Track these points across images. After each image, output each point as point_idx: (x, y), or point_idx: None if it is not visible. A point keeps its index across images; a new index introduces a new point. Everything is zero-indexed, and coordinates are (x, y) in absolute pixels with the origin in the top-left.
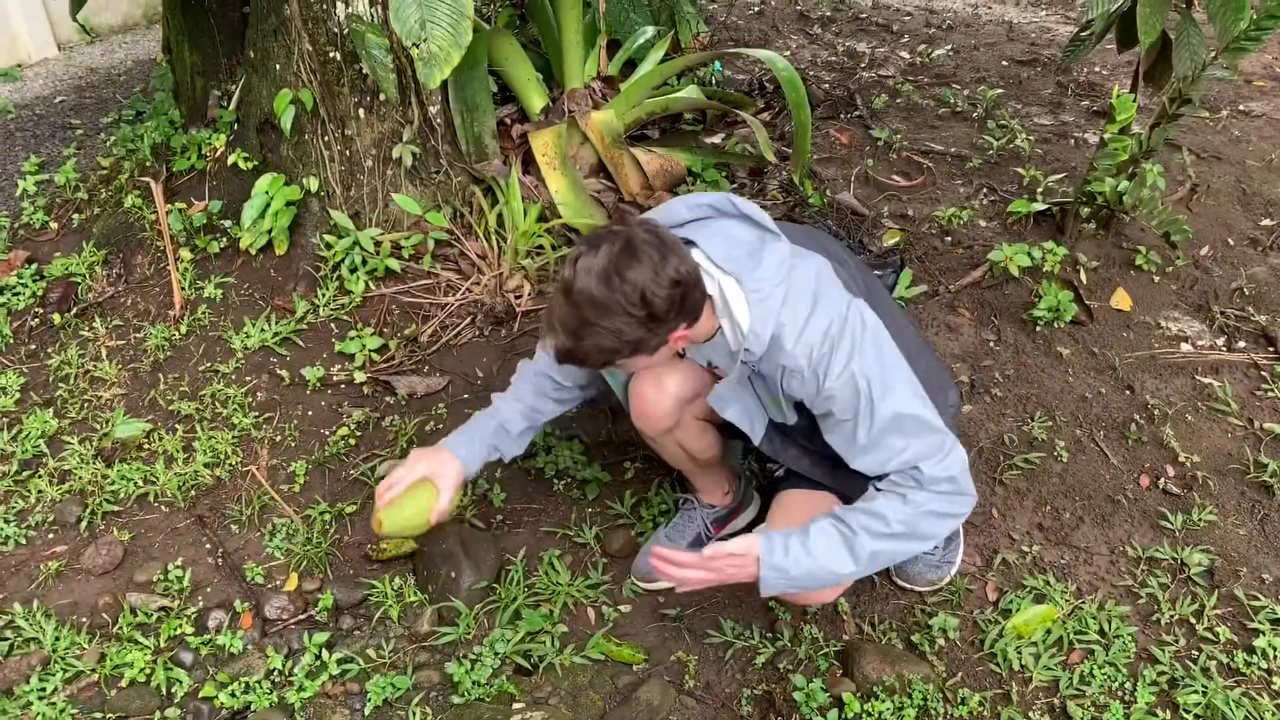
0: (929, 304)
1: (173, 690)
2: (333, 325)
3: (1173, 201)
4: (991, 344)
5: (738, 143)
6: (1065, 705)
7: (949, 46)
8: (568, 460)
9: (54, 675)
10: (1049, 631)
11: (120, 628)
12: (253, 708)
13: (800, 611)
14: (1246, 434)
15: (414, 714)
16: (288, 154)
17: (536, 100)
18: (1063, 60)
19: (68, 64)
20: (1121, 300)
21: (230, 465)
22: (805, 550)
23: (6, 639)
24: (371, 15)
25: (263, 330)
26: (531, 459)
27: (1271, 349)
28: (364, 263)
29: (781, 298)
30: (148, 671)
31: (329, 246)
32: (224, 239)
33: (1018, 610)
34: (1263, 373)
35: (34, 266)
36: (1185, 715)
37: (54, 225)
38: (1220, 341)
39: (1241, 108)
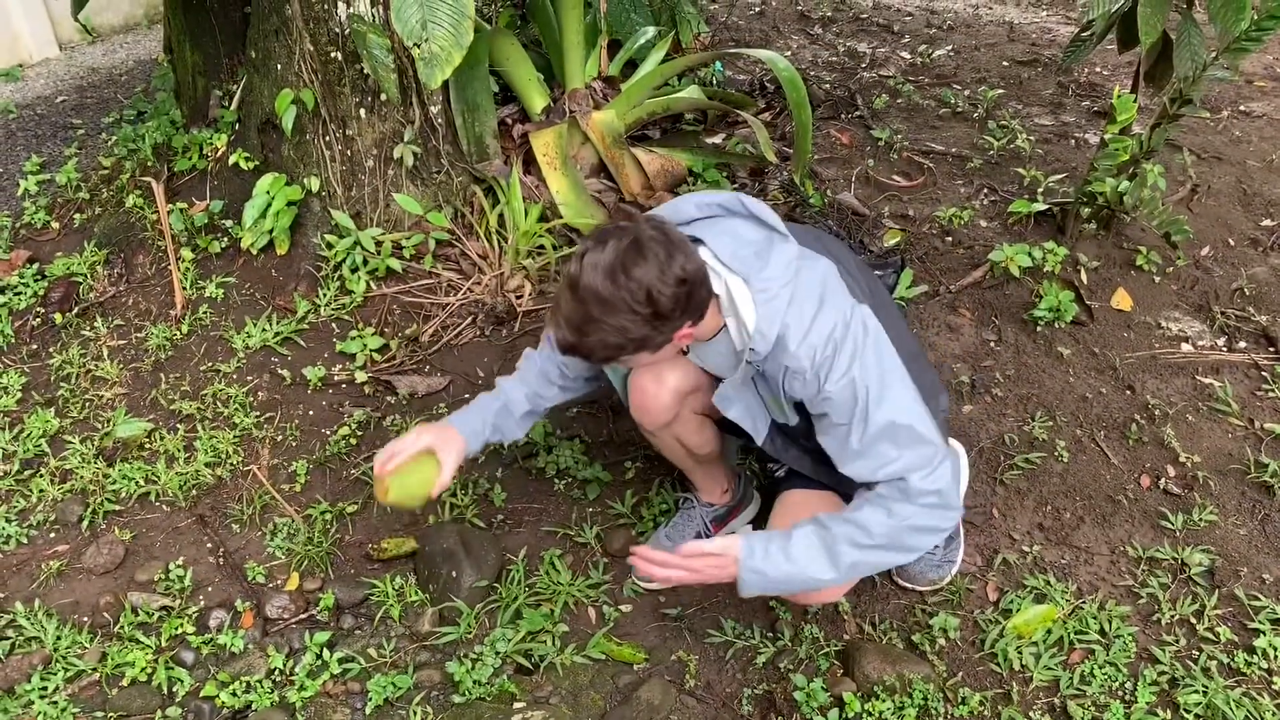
0: (930, 304)
1: (174, 689)
2: (334, 325)
3: (1173, 202)
4: (992, 344)
5: (739, 143)
6: (1066, 705)
7: (950, 47)
8: (569, 460)
9: (55, 674)
10: (1049, 631)
11: (121, 627)
12: (254, 707)
13: (801, 611)
14: (1247, 434)
15: (415, 713)
16: (289, 154)
17: (537, 100)
18: (1063, 60)
19: (69, 64)
20: (1122, 300)
21: (231, 465)
22: (785, 555)
23: (8, 638)
24: (373, 15)
25: (264, 330)
26: (532, 459)
27: (1272, 349)
28: (365, 262)
29: (788, 298)
30: (149, 671)
31: (330, 246)
32: (225, 239)
33: (1018, 610)
34: (1263, 373)
35: (35, 266)
36: (1186, 715)
37: (55, 225)
38: (1221, 342)
39: (1242, 108)
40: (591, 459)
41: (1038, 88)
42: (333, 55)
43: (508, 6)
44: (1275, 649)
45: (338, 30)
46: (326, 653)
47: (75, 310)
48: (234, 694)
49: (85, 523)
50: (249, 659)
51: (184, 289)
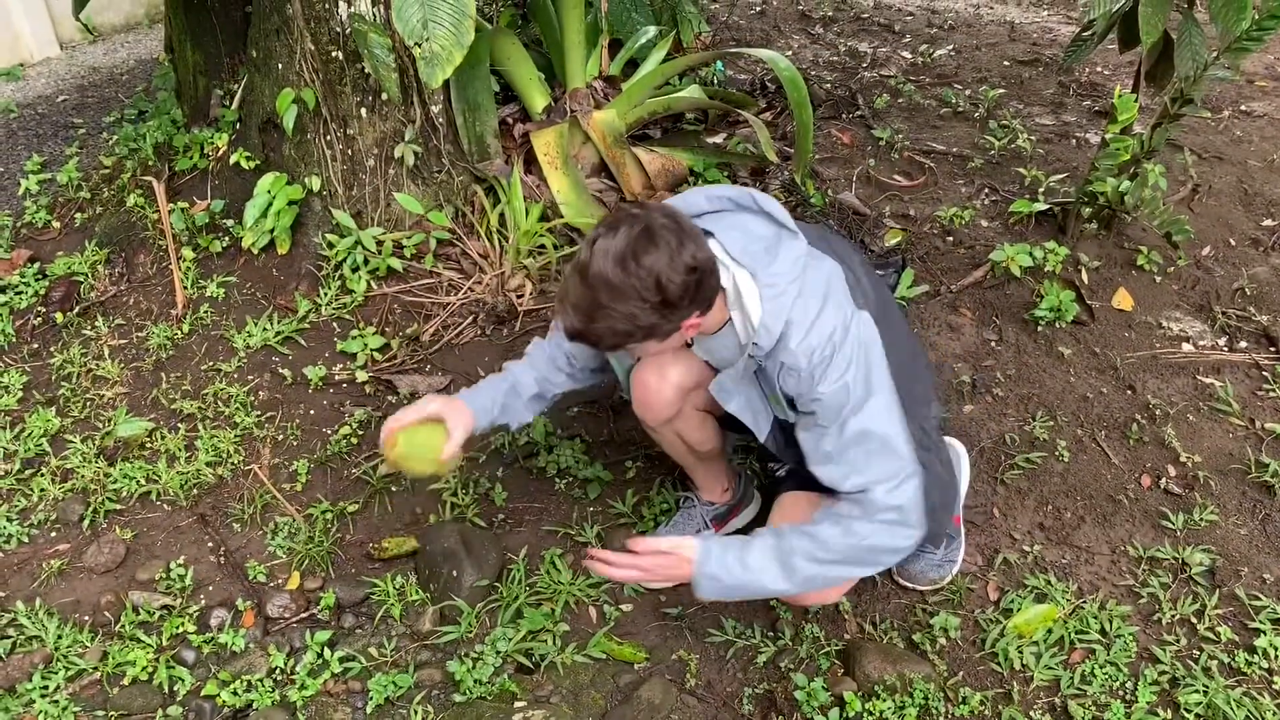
0: (930, 304)
1: (175, 688)
2: (335, 324)
3: (1174, 202)
4: (993, 344)
5: (739, 142)
6: (1066, 704)
7: (951, 46)
8: (569, 459)
9: (56, 673)
10: (1050, 631)
11: (122, 626)
12: (255, 706)
13: (801, 611)
14: (1248, 434)
15: (416, 712)
16: (290, 153)
17: (538, 100)
18: (1064, 60)
19: (70, 63)
20: (1123, 300)
21: (232, 464)
22: (740, 563)
23: (9, 637)
24: (374, 15)
25: (265, 329)
26: (533, 458)
27: (1273, 349)
28: (366, 262)
29: (794, 295)
30: (150, 670)
31: (331, 246)
32: (226, 238)
33: (1019, 610)
34: (1264, 373)
35: (36, 265)
36: (1186, 715)
37: (56, 224)
38: (1222, 341)
39: (1243, 108)
40: (592, 458)
41: (1039, 87)
42: (334, 54)
43: (509, 6)
44: (1276, 649)
45: (339, 29)
46: (327, 652)
47: (76, 309)
48: (235, 693)
49: (86, 522)
50: (250, 658)
51: (185, 288)
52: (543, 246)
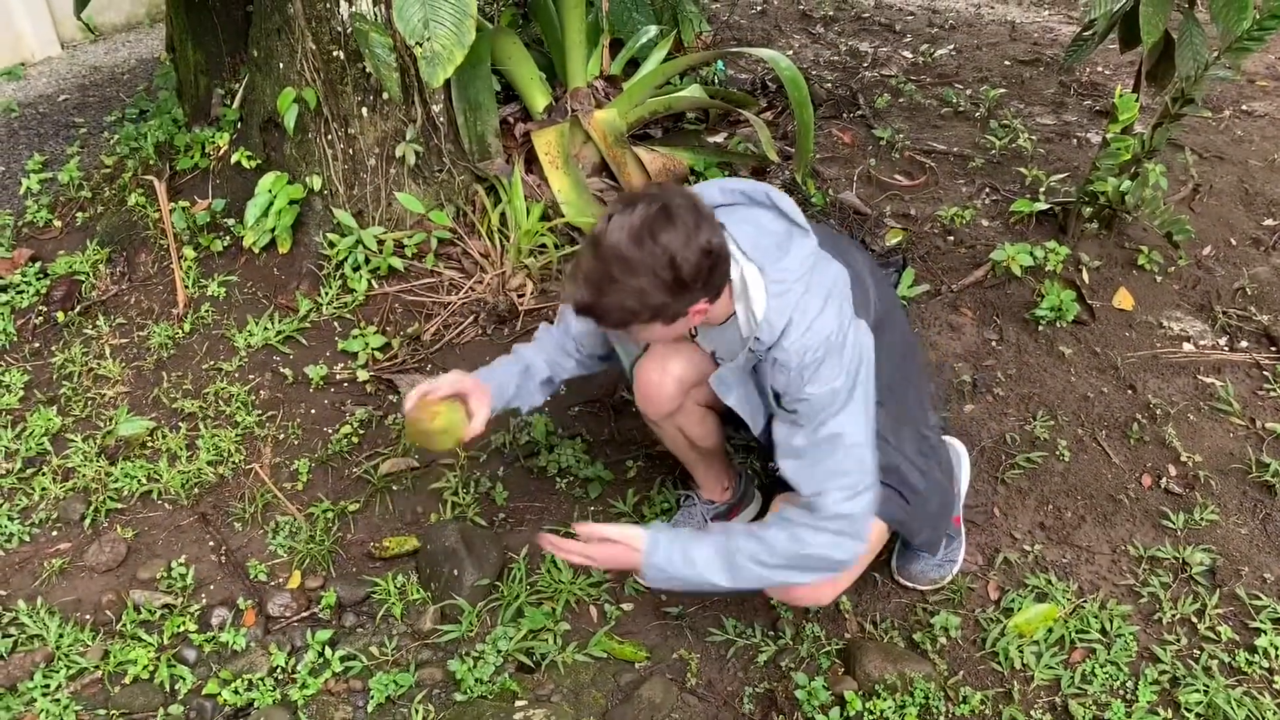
0: (931, 303)
1: (176, 687)
2: (336, 324)
3: (1175, 201)
4: (994, 343)
5: (740, 142)
6: (1067, 704)
7: (951, 46)
8: (570, 459)
9: (58, 672)
10: (1050, 630)
11: (124, 625)
12: (256, 705)
13: (802, 610)
14: (1248, 434)
15: (416, 711)
16: (291, 152)
17: (539, 99)
18: (1065, 60)
19: (71, 62)
20: (1124, 300)
21: (233, 463)
22: (685, 559)
23: (10, 636)
24: (375, 14)
25: (266, 328)
26: (534, 457)
27: (1273, 349)
28: (367, 261)
29: (800, 293)
30: (151, 668)
31: (332, 245)
32: (227, 237)
33: (1019, 609)
34: (1265, 372)
35: (38, 264)
36: (1187, 714)
37: (58, 223)
38: (1222, 341)
39: (1244, 108)
40: (593, 458)
41: (1039, 87)
42: (335, 54)
43: (510, 5)
44: (1276, 648)
45: (340, 29)
46: (328, 651)
47: (77, 309)
48: (236, 692)
49: (87, 521)
50: (251, 657)
51: (186, 287)
52: (544, 246)
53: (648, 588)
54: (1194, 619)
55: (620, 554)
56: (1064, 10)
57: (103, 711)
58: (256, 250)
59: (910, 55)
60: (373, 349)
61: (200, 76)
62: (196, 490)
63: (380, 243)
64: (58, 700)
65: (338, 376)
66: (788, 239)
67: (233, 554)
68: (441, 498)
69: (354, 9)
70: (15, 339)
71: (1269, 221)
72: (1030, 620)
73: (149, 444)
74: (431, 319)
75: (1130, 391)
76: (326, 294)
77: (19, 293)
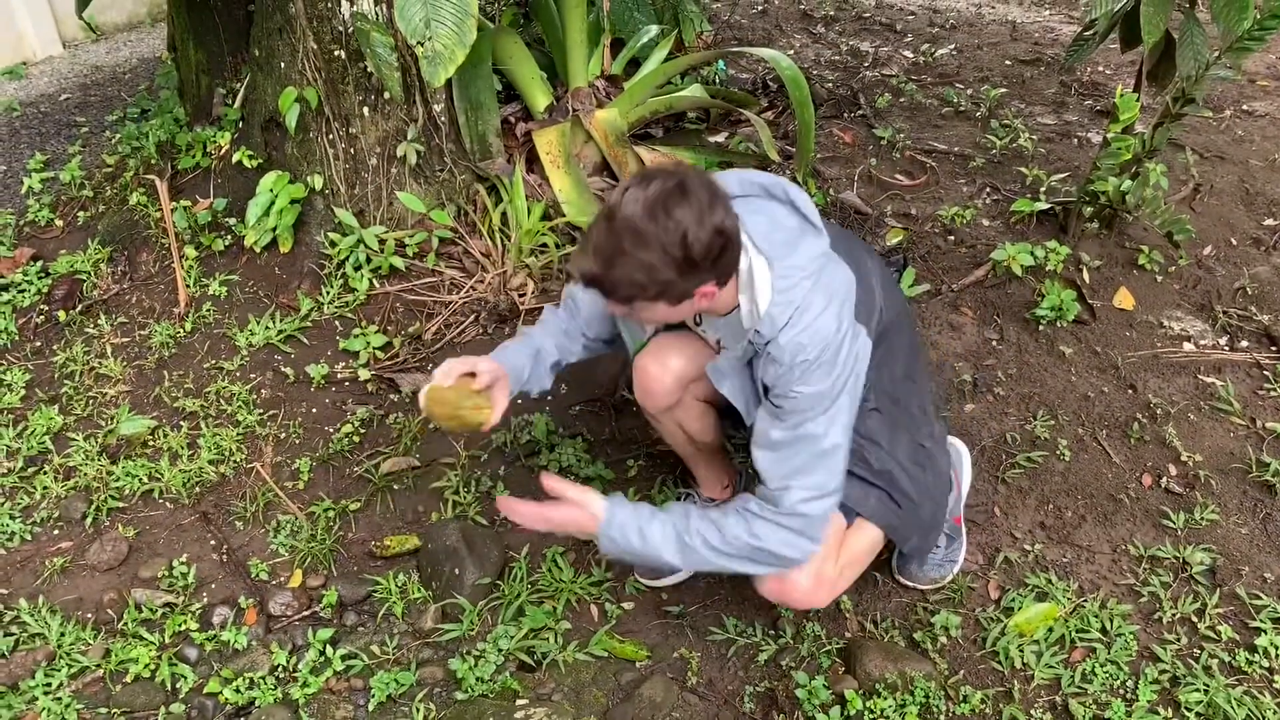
0: (932, 303)
1: (177, 686)
2: (337, 323)
3: (1176, 201)
4: (994, 343)
5: (741, 141)
6: (1067, 703)
7: (952, 46)
8: (571, 458)
9: (59, 671)
10: (1051, 630)
11: (125, 624)
12: (257, 703)
13: (802, 609)
14: (1249, 433)
15: (417, 710)
16: (292, 152)
17: (540, 99)
18: (1066, 60)
19: (73, 62)
20: (1124, 299)
21: (235, 462)
22: (639, 535)
23: (12, 634)
24: (376, 14)
25: (267, 328)
26: (535, 456)
27: (1274, 348)
28: (368, 260)
29: (805, 290)
30: (152, 667)
31: (333, 244)
32: (228, 236)
33: (1020, 608)
34: (1265, 372)
35: (39, 264)
36: (1187, 713)
37: (59, 223)
38: (1223, 341)
39: (1245, 107)
40: (594, 457)
41: (1040, 87)
42: (336, 53)
43: (511, 5)
44: (1276, 647)
45: (341, 28)
46: (329, 649)
47: (79, 308)
48: (237, 690)
49: (89, 520)
50: (252, 656)
51: (187, 287)
52: (545, 245)
53: (649, 586)
54: (1194, 618)
55: (578, 517)
56: (1065, 10)
57: (104, 710)
58: (258, 249)
59: (911, 55)
60: (374, 348)
61: (202, 76)
62: (198, 489)
63: (381, 242)
64: (59, 699)
65: (339, 375)
66: (800, 236)
67: (234, 553)
68: (442, 497)
69: (355, 8)
70: (17, 338)
71: (1269, 221)
72: (1030, 619)
73: (150, 443)
74: (433, 318)
75: (1131, 391)
76: (328, 293)
77: (20, 292)
